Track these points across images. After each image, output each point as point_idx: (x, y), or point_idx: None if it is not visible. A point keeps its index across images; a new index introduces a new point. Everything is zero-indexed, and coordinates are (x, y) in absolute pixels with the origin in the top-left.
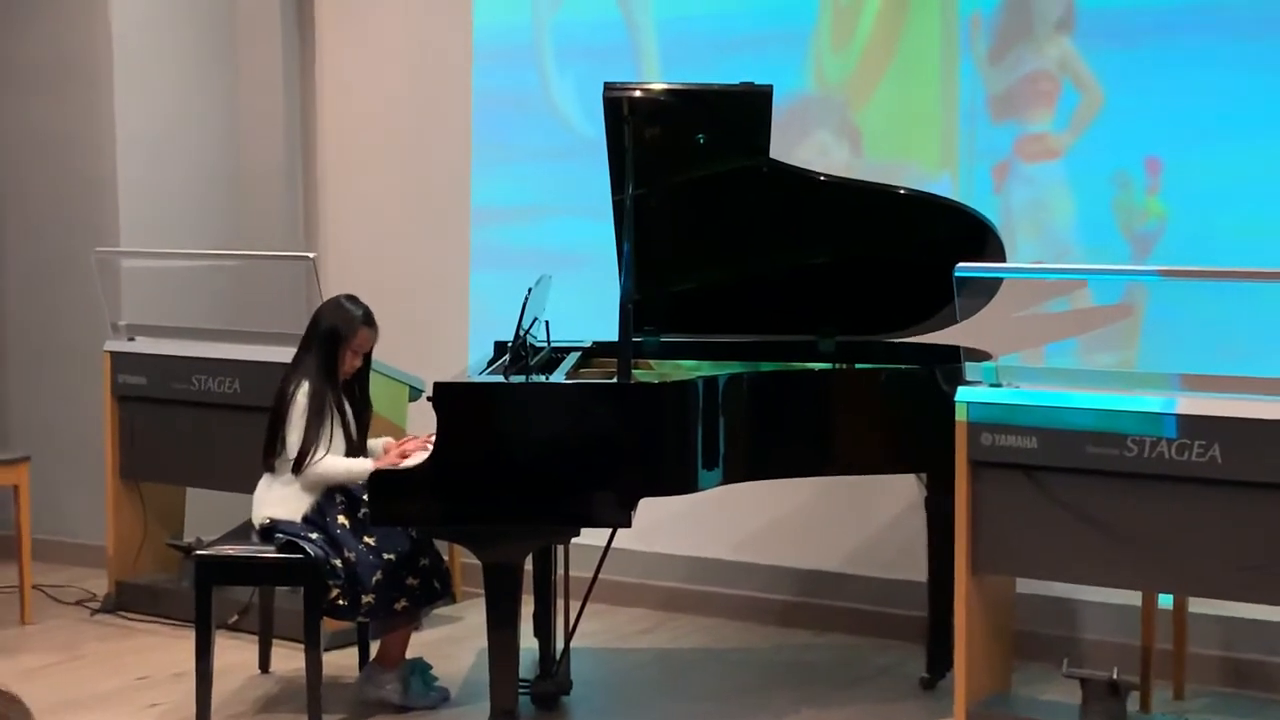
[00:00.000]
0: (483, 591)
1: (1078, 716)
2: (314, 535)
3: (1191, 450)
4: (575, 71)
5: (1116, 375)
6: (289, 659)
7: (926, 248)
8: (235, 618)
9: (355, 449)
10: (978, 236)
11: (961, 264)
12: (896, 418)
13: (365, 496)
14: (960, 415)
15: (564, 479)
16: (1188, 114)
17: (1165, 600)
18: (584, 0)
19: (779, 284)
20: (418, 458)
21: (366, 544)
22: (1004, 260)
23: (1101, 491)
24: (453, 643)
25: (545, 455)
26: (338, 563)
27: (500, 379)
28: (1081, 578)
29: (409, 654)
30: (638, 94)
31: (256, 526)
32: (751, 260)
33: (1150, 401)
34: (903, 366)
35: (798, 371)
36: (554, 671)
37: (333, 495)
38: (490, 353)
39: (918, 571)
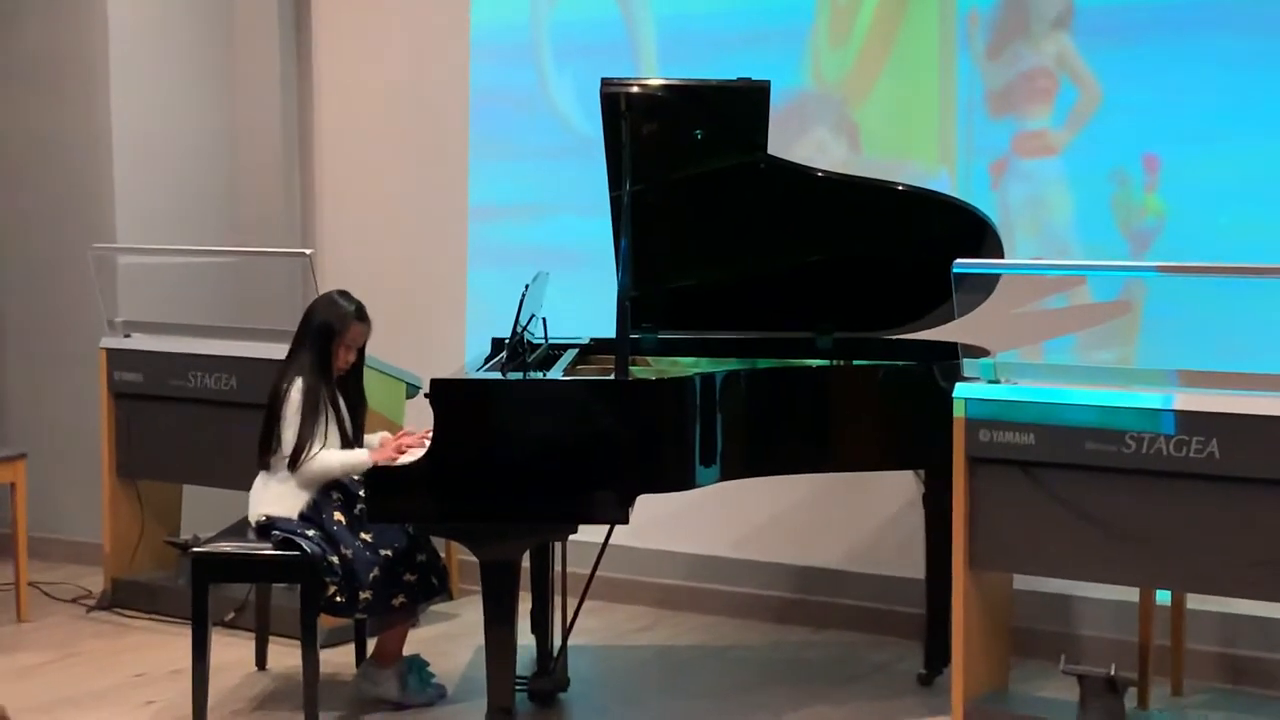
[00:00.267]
0: (480, 588)
1: (1076, 713)
2: (311, 532)
3: (1190, 446)
4: (573, 69)
5: (1115, 372)
6: (286, 656)
7: (924, 244)
8: (232, 615)
9: (350, 444)
10: (976, 233)
11: (960, 260)
12: (894, 414)
13: (362, 493)
14: (958, 412)
15: (561, 476)
16: (1186, 111)
17: (1163, 596)
18: None
19: (777, 280)
20: (415, 454)
21: (363, 540)
22: (1002, 257)
23: (1099, 488)
24: (450, 639)
25: (543, 452)
26: (334, 559)
27: (498, 376)
28: (1079, 574)
29: (406, 651)
30: (635, 90)
31: (253, 524)
32: (749, 257)
33: (1148, 398)
34: (901, 363)
35: (795, 368)
36: (551, 668)
37: (329, 492)
38: (488, 349)
39: (915, 568)
